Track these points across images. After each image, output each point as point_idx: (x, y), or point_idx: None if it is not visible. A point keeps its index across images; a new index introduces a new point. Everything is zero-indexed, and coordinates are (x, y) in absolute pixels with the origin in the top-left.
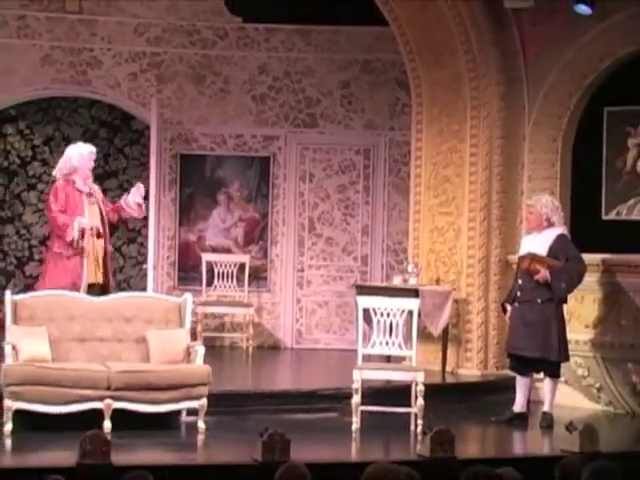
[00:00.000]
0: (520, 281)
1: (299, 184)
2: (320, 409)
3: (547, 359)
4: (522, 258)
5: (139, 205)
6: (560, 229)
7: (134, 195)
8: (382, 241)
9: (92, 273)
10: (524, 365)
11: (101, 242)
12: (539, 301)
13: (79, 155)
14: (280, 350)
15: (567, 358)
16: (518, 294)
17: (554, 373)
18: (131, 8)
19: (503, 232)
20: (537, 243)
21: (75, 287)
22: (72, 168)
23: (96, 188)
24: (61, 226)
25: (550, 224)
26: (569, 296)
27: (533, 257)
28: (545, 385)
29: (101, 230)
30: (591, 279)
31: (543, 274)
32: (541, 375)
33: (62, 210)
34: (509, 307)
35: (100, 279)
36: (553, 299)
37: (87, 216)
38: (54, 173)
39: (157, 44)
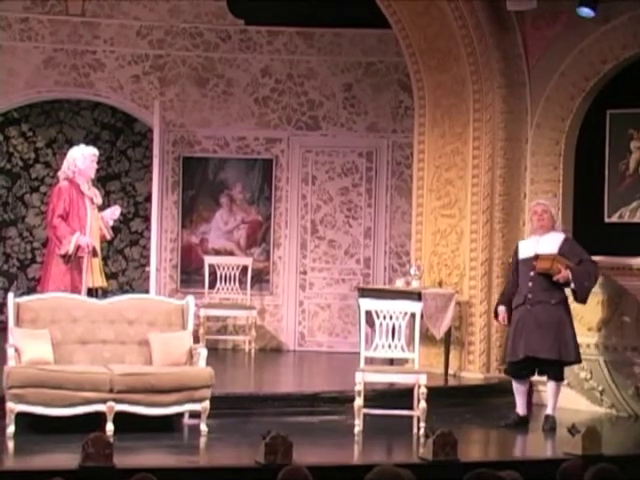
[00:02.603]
0: (530, 283)
1: (301, 187)
2: (322, 412)
3: (564, 360)
4: (542, 259)
5: (107, 227)
6: (562, 233)
7: (112, 213)
8: (385, 244)
9: (91, 277)
10: (525, 369)
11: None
12: (552, 302)
13: (82, 157)
14: (283, 353)
15: (580, 359)
16: (529, 296)
17: (559, 376)
18: (134, 11)
19: (506, 235)
20: (544, 245)
21: (76, 290)
22: (76, 170)
23: (96, 192)
24: (59, 237)
25: (553, 228)
26: (571, 299)
27: (555, 257)
28: (549, 389)
29: (97, 248)
30: None
31: (565, 274)
32: (543, 378)
33: (64, 215)
34: (503, 309)
35: (102, 282)
36: (576, 299)
37: (89, 220)
38: (59, 175)
39: (160, 47)
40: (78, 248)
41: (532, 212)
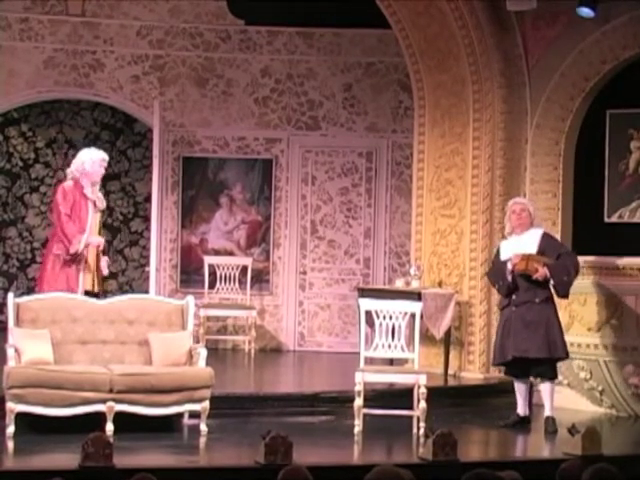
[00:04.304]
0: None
1: (301, 187)
2: (322, 412)
3: (553, 358)
4: (518, 259)
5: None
6: (540, 229)
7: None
8: (384, 244)
9: (89, 281)
10: (521, 369)
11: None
12: (537, 301)
13: (90, 161)
14: (282, 353)
15: (568, 354)
16: (513, 297)
17: (552, 374)
18: (134, 11)
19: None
20: (523, 244)
21: (72, 292)
22: (83, 173)
23: (100, 196)
24: (67, 235)
25: (532, 225)
26: (571, 299)
27: (529, 257)
28: (543, 390)
29: (105, 247)
30: (593, 282)
31: (542, 272)
32: (538, 380)
33: (68, 214)
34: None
35: (96, 287)
36: (557, 295)
37: (90, 223)
38: (67, 173)
39: (160, 47)
40: (87, 246)
41: (510, 211)
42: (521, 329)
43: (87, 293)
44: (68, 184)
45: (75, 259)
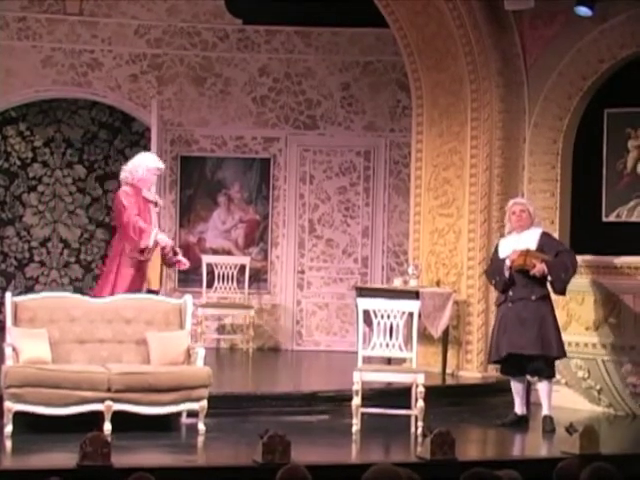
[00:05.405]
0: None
1: (299, 186)
2: (320, 411)
3: (547, 356)
4: (517, 255)
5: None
6: (540, 228)
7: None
8: (382, 243)
9: (155, 280)
10: (517, 367)
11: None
12: (533, 298)
13: (145, 168)
14: (280, 352)
15: (565, 354)
16: (510, 293)
17: (549, 373)
18: (132, 10)
19: (503, 234)
20: (523, 242)
21: (139, 292)
22: (137, 178)
23: (156, 194)
24: (137, 230)
25: (532, 224)
26: (569, 298)
27: (528, 252)
28: (541, 389)
29: (177, 249)
30: (591, 281)
31: (540, 268)
32: (535, 378)
33: (137, 214)
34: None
35: (158, 286)
36: (554, 291)
37: (154, 224)
38: (120, 178)
39: (157, 46)
40: (156, 244)
41: (510, 212)
42: (516, 326)
43: (150, 292)
44: (127, 189)
45: (144, 256)
